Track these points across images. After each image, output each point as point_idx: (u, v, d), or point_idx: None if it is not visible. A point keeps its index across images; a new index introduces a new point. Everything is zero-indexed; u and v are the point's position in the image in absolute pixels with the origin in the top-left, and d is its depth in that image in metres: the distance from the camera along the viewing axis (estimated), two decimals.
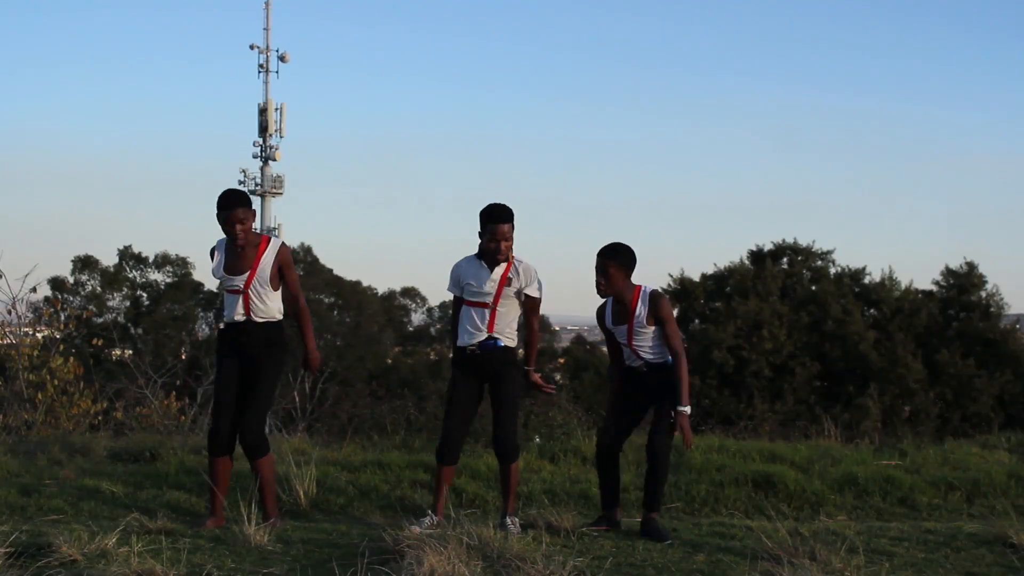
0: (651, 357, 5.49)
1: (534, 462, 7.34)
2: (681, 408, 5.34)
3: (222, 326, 5.63)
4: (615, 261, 5.43)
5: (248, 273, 5.42)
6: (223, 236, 5.49)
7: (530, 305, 5.60)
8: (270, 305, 5.50)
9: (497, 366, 5.53)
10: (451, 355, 5.75)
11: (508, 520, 5.46)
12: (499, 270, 5.49)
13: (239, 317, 5.46)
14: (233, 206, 5.37)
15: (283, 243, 5.58)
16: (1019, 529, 5.31)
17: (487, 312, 5.50)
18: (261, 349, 5.49)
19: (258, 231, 5.63)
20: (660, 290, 5.53)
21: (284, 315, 5.61)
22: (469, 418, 5.67)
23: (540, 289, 5.58)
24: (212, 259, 5.55)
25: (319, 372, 6.73)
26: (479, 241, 5.52)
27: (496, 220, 5.42)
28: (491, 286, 5.47)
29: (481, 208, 5.48)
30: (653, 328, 5.46)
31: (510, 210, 5.48)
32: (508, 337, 5.56)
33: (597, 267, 5.44)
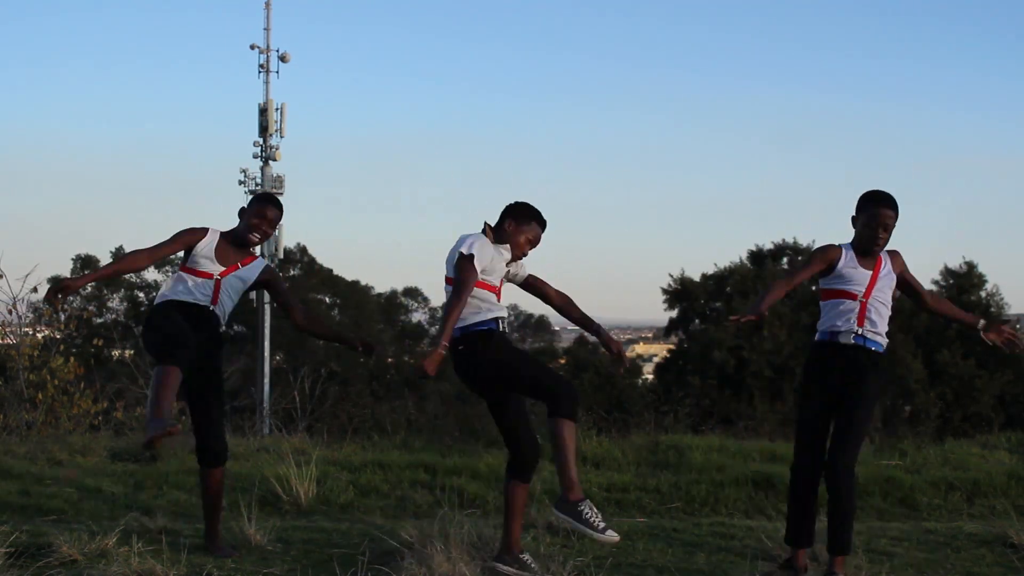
0: (875, 321, 4.75)
1: None
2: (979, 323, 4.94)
3: (162, 301, 4.90)
4: (897, 213, 4.75)
5: (230, 267, 4.99)
6: (217, 228, 5.01)
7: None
8: (228, 309, 5.02)
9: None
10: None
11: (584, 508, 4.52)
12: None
13: (203, 300, 4.91)
14: (276, 206, 5.07)
15: (268, 264, 5.19)
16: (1019, 529, 5.32)
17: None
18: (217, 346, 5.00)
19: None
20: None
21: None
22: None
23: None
24: (199, 231, 4.96)
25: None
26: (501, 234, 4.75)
27: (543, 224, 4.82)
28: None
29: (513, 203, 4.76)
30: (894, 284, 4.83)
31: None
32: None
33: (883, 223, 4.70)
